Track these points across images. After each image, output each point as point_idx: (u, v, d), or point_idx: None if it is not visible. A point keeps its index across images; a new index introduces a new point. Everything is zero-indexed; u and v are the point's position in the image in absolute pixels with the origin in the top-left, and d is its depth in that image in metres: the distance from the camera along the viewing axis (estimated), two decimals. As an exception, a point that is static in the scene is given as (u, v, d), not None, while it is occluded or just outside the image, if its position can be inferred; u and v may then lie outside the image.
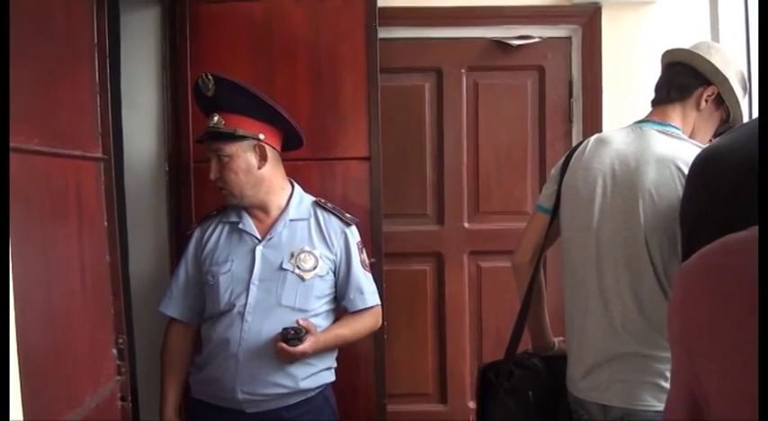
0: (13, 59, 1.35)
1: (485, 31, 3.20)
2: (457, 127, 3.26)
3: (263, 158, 2.31)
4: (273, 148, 2.36)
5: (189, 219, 2.76)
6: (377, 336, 2.71)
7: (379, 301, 2.46)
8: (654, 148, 1.90)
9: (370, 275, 2.45)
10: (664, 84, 2.02)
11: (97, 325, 1.94)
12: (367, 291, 2.41)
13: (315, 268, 2.32)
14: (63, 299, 1.73)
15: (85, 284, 1.86)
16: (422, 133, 3.27)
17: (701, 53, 1.95)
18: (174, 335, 2.43)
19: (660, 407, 1.72)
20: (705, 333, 0.86)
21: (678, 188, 1.81)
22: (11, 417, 1.30)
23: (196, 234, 2.44)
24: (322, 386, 2.36)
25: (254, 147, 2.31)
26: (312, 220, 2.40)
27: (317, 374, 2.32)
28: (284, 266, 2.30)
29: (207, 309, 2.37)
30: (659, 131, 1.95)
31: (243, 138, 2.29)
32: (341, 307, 2.43)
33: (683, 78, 1.97)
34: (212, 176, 2.32)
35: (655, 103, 2.04)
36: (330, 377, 2.40)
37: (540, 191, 2.22)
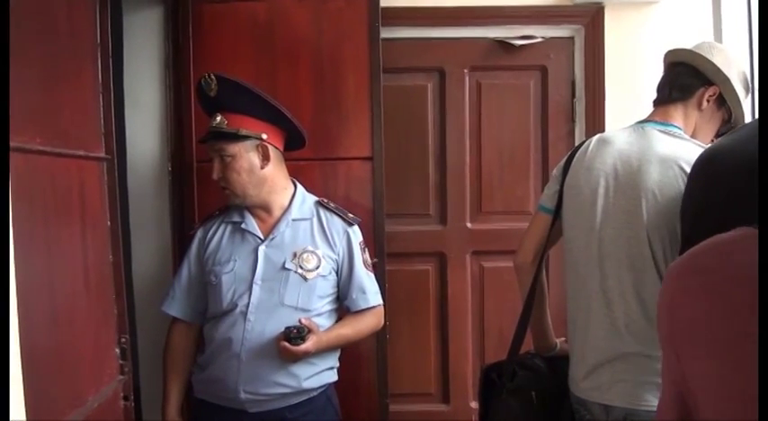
0: (15, 59, 1.35)
1: (487, 30, 3.20)
2: (459, 127, 3.26)
3: (265, 158, 2.32)
4: (276, 148, 2.36)
5: (192, 218, 2.76)
6: (379, 336, 2.72)
7: (381, 301, 2.46)
8: (656, 148, 1.90)
9: (372, 275, 2.45)
10: (666, 84, 2.02)
11: (100, 324, 1.95)
12: (369, 290, 2.41)
13: (317, 268, 2.32)
14: (66, 298, 1.73)
15: (88, 284, 1.86)
16: (424, 133, 3.27)
17: (703, 53, 1.95)
18: (176, 334, 2.43)
19: (663, 407, 1.72)
20: (691, 332, 0.87)
21: (681, 188, 1.80)
22: (14, 417, 1.30)
23: (199, 234, 2.45)
24: (324, 386, 2.36)
25: (257, 146, 2.31)
26: (315, 220, 2.40)
27: (320, 374, 2.32)
28: (287, 266, 2.30)
29: (209, 309, 2.37)
30: (661, 131, 1.95)
31: (246, 137, 2.29)
32: (343, 307, 2.43)
33: (685, 78, 1.98)
34: (215, 176, 2.32)
35: (656, 102, 2.05)
36: (332, 377, 2.40)
37: (543, 191, 2.22)
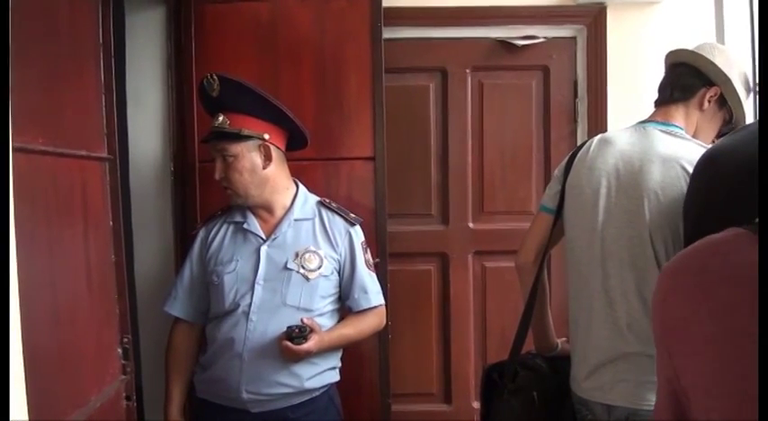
0: (18, 59, 1.36)
1: (489, 31, 3.20)
2: (461, 127, 3.26)
3: (267, 158, 2.32)
4: (278, 148, 2.36)
5: (194, 219, 2.76)
6: (381, 336, 2.72)
7: (383, 301, 2.46)
8: (658, 148, 1.90)
9: (374, 275, 2.46)
10: (667, 84, 2.03)
11: (102, 324, 1.95)
12: (371, 290, 2.41)
13: (319, 268, 2.32)
14: (68, 298, 1.73)
15: (91, 284, 1.87)
16: (426, 133, 3.27)
17: (705, 54, 1.95)
18: (178, 334, 2.43)
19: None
20: (682, 331, 0.88)
21: (683, 187, 1.81)
22: (17, 417, 1.31)
23: (201, 234, 2.45)
24: (327, 386, 2.36)
25: (259, 147, 2.31)
26: (317, 220, 2.40)
27: (322, 374, 2.32)
28: (289, 266, 2.30)
29: (212, 309, 2.37)
30: (663, 131, 1.95)
31: (248, 137, 2.29)
32: (345, 306, 2.43)
33: (687, 79, 1.98)
34: (217, 176, 2.32)
35: (658, 103, 2.05)
36: (334, 377, 2.40)
37: (545, 191, 2.22)
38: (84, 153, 1.87)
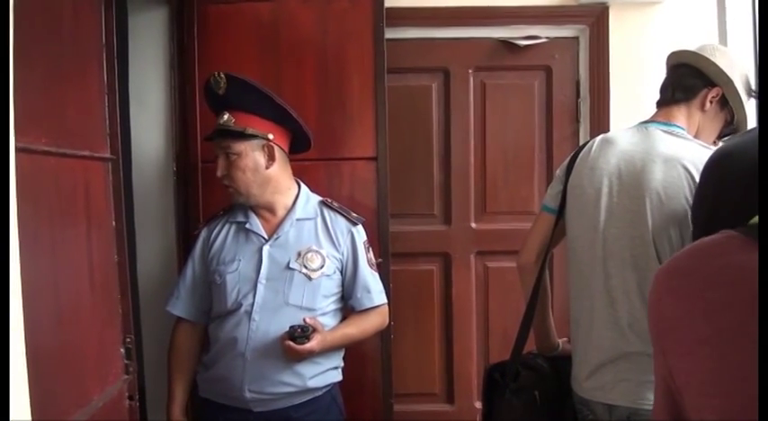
0: (21, 60, 1.36)
1: (492, 31, 3.20)
2: (464, 127, 3.26)
3: (270, 158, 2.32)
4: (282, 149, 2.36)
5: (196, 219, 2.77)
6: (384, 336, 2.72)
7: (385, 300, 2.47)
8: (660, 148, 1.91)
9: (376, 274, 2.46)
10: (669, 85, 2.03)
11: (105, 324, 1.96)
12: (374, 289, 2.42)
13: (321, 267, 2.32)
14: (71, 298, 1.74)
15: (93, 284, 1.87)
16: (429, 133, 3.27)
17: (706, 55, 1.96)
18: (181, 334, 2.44)
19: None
20: (675, 331, 0.90)
21: (685, 187, 1.82)
22: (20, 417, 1.31)
23: (203, 234, 2.45)
24: (329, 385, 2.36)
25: (263, 146, 2.31)
26: (319, 220, 2.40)
27: (324, 373, 2.33)
28: (291, 266, 2.30)
29: (214, 309, 2.37)
30: (664, 131, 1.96)
31: (252, 137, 2.29)
32: (348, 306, 2.44)
33: (688, 79, 1.98)
34: (219, 173, 2.32)
35: (660, 103, 2.05)
36: (337, 376, 2.40)
37: (547, 191, 2.22)
38: (86, 153, 1.88)
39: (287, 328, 2.19)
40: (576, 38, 3.23)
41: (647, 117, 2.06)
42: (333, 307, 2.38)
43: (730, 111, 1.99)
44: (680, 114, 1.99)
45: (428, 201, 3.29)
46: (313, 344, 2.18)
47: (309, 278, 2.30)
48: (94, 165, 1.95)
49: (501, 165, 3.28)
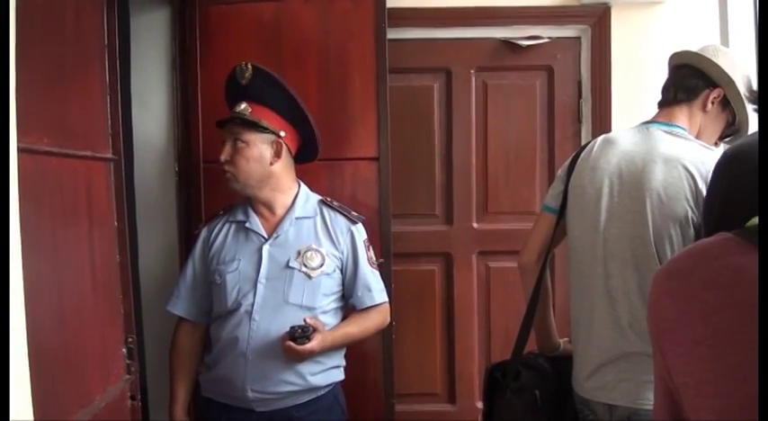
0: (23, 60, 1.36)
1: (494, 31, 3.20)
2: (466, 127, 3.26)
3: (277, 155, 2.32)
4: (289, 150, 2.37)
5: (198, 219, 2.76)
6: (385, 336, 2.72)
7: (386, 298, 2.46)
8: (661, 149, 1.91)
9: (377, 273, 2.46)
10: (670, 85, 2.03)
11: (107, 324, 1.96)
12: (374, 288, 2.41)
13: (321, 266, 2.32)
14: (73, 298, 1.74)
15: (95, 284, 1.87)
16: (431, 133, 3.27)
17: (708, 56, 1.96)
18: (182, 334, 2.44)
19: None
20: (673, 332, 0.91)
21: (686, 188, 1.82)
22: (22, 416, 1.31)
23: (203, 233, 2.45)
24: (331, 384, 2.36)
25: (272, 142, 2.31)
26: (318, 219, 2.40)
27: (326, 372, 2.33)
28: (291, 264, 2.30)
29: (214, 309, 2.38)
30: (666, 132, 1.96)
31: (264, 130, 2.30)
32: (349, 304, 2.44)
33: (690, 80, 1.98)
34: (223, 158, 2.31)
35: (661, 104, 2.05)
36: (339, 375, 2.40)
37: (548, 191, 2.22)
38: (89, 153, 1.88)
39: (288, 327, 2.18)
40: (578, 38, 3.23)
41: (649, 117, 2.06)
42: (333, 305, 2.38)
43: (732, 111, 1.99)
44: (681, 115, 1.99)
45: (430, 201, 3.29)
46: (313, 344, 2.18)
47: (309, 277, 2.30)
48: (97, 165, 1.95)
49: (503, 165, 3.28)
